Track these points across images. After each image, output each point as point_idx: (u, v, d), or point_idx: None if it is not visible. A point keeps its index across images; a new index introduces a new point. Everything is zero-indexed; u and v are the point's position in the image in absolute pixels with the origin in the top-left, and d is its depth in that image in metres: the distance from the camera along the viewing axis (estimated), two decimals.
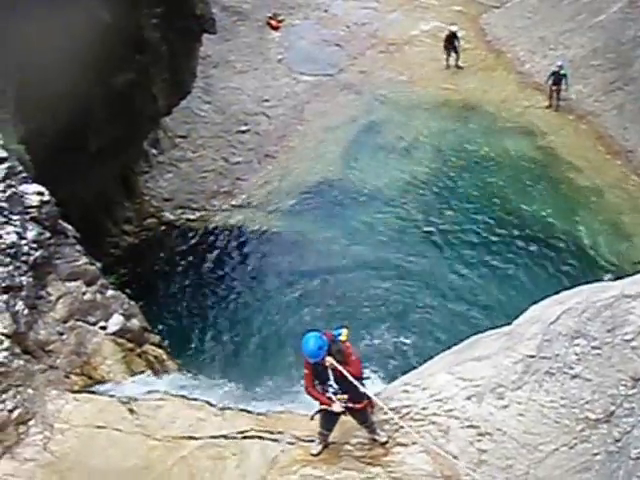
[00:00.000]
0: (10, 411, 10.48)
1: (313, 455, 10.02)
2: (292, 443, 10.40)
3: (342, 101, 30.74)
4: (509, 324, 11.28)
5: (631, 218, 23.31)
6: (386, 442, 10.00)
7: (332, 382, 9.38)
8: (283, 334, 19.42)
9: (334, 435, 10.06)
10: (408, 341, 19.02)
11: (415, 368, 12.17)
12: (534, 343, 10.04)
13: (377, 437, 10.02)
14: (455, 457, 9.61)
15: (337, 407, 9.45)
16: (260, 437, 10.53)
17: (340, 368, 9.19)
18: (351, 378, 9.20)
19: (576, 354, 9.63)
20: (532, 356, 9.94)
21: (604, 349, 9.52)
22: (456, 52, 31.73)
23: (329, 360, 9.21)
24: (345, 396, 9.42)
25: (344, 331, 9.72)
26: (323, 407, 9.64)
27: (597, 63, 29.13)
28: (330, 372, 9.31)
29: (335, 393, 9.42)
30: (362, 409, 9.73)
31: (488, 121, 28.89)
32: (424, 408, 10.29)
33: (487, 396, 9.97)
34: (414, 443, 9.96)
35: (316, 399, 9.62)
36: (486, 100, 30.08)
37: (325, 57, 33.33)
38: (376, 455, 9.98)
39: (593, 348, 9.58)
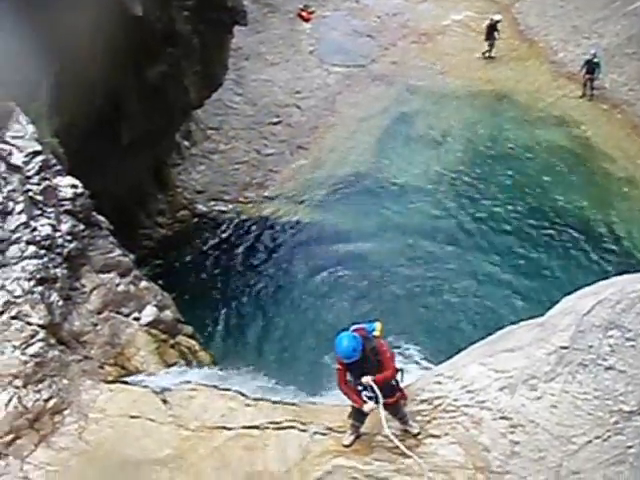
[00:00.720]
0: (46, 401, 10.62)
1: (345, 446, 10.04)
2: (324, 434, 10.43)
3: (374, 92, 30.69)
4: (542, 315, 11.23)
5: None
6: (418, 434, 9.99)
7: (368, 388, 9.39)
8: (317, 324, 19.45)
9: (366, 426, 10.07)
10: (441, 325, 19.03)
11: (448, 354, 12.13)
12: (567, 334, 9.96)
13: (409, 428, 10.01)
14: (487, 449, 9.60)
15: (367, 408, 9.45)
16: (292, 428, 10.58)
17: (375, 388, 9.27)
18: (380, 396, 9.32)
19: (610, 346, 9.55)
20: (565, 347, 9.87)
21: (638, 341, 9.43)
22: (492, 42, 31.49)
23: (367, 380, 9.25)
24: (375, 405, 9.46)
25: (378, 325, 9.73)
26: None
27: (632, 51, 28.80)
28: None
29: (370, 397, 9.41)
30: (394, 403, 9.75)
31: (521, 111, 28.72)
32: (456, 399, 10.27)
33: (520, 387, 9.92)
34: (446, 434, 9.96)
35: (347, 396, 9.64)
36: (519, 90, 29.90)
37: (356, 48, 33.27)
38: (408, 446, 9.97)
39: (627, 340, 9.49)
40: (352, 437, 10.06)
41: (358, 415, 9.87)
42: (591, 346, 9.66)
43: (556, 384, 9.69)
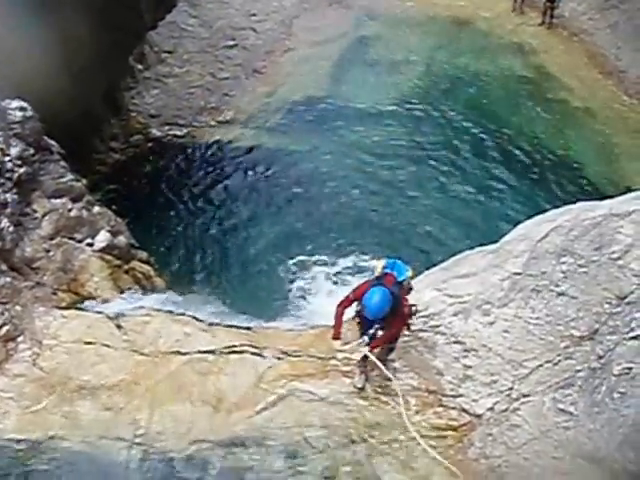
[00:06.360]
0: None
1: (359, 388, 9.96)
2: (279, 358, 10.50)
3: (331, 16, 30.13)
4: (496, 242, 11.31)
5: (621, 139, 23.17)
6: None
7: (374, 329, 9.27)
8: (271, 249, 19.42)
9: (321, 350, 10.12)
10: (398, 245, 19.09)
11: None
12: (521, 260, 10.08)
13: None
14: (440, 372, 9.74)
15: (358, 354, 9.42)
16: (247, 352, 10.63)
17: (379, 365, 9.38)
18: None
19: (562, 272, 9.67)
20: (519, 273, 9.99)
21: (591, 267, 9.54)
22: None
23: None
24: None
25: (409, 273, 9.66)
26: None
27: None
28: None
29: (371, 337, 9.29)
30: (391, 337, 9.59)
31: (480, 38, 28.46)
32: (410, 324, 10.36)
33: (473, 312, 10.05)
34: (400, 358, 10.07)
35: (337, 319, 9.39)
36: (478, 17, 29.57)
37: None
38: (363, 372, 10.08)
39: (580, 266, 9.61)
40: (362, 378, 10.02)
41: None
42: (544, 272, 9.78)
43: (509, 309, 9.84)
